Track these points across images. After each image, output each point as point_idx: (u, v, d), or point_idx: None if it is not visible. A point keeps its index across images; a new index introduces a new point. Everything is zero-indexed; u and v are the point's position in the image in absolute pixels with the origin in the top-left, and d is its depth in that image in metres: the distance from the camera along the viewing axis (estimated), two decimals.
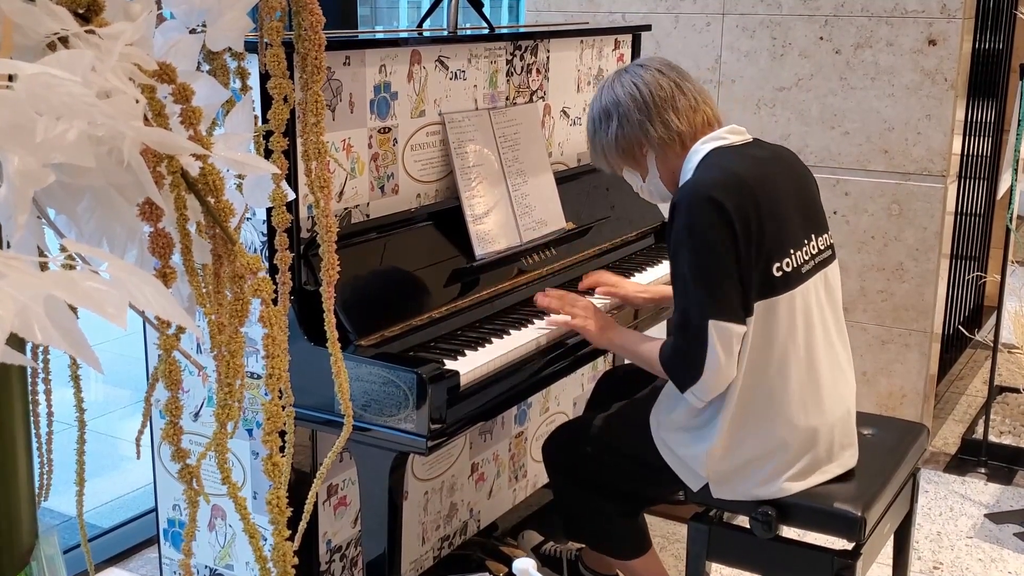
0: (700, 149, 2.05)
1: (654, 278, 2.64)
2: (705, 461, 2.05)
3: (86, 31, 0.66)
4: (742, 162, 2.01)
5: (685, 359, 1.97)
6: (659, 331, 2.75)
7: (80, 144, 0.61)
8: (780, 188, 2.03)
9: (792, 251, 2.00)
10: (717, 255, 1.92)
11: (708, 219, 1.92)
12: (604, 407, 2.36)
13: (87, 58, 0.62)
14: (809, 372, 2.02)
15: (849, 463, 2.11)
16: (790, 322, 1.99)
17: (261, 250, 1.97)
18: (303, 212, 1.99)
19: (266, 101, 0.89)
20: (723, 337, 1.93)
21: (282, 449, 0.82)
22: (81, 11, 0.68)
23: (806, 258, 2.03)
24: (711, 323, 1.92)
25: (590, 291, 2.44)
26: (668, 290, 2.47)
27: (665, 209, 3.25)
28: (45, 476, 0.93)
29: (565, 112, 2.78)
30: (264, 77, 0.89)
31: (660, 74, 2.10)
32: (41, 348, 0.90)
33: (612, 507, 2.26)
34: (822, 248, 2.09)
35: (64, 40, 0.66)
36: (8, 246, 0.65)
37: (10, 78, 0.60)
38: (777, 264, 1.97)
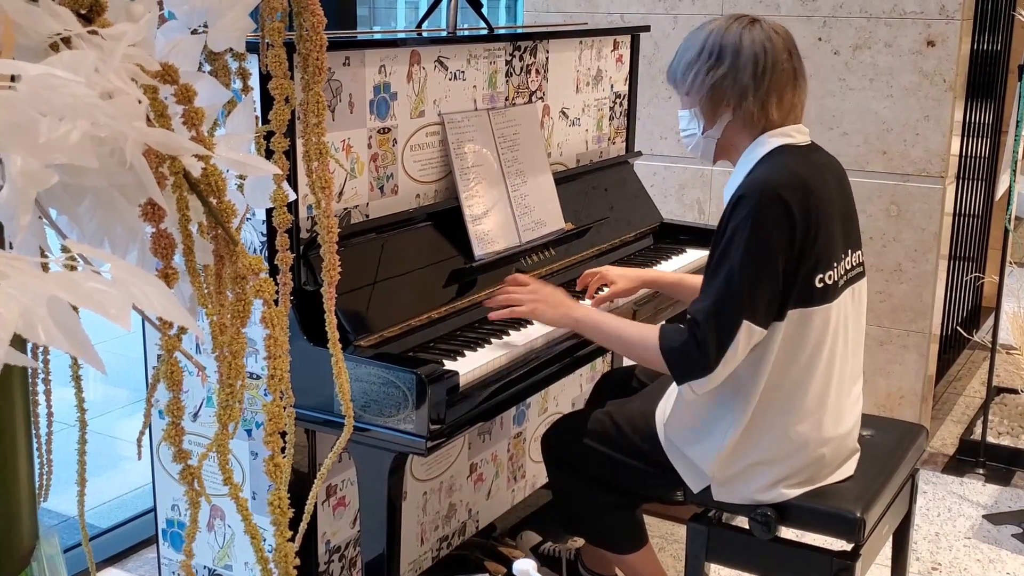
0: (768, 142, 2.00)
1: None
2: (712, 462, 2.04)
3: (88, 32, 0.66)
4: (805, 166, 1.98)
5: (702, 350, 1.92)
6: None
7: (83, 145, 0.61)
8: (832, 197, 2.01)
9: (835, 264, 1.98)
10: (771, 256, 1.90)
11: (775, 219, 1.89)
12: (603, 407, 2.36)
13: (90, 59, 0.62)
14: (827, 386, 2.02)
15: (848, 471, 2.12)
16: (821, 334, 1.98)
17: (261, 250, 1.97)
18: (303, 212, 1.99)
19: (267, 102, 0.89)
20: (748, 338, 1.91)
21: (283, 450, 0.82)
22: (83, 12, 0.68)
23: (842, 272, 2.02)
24: (744, 322, 1.89)
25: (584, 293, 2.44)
26: (665, 276, 2.46)
27: (669, 203, 3.26)
28: (45, 476, 0.93)
29: (564, 113, 2.78)
30: (265, 78, 0.89)
31: (787, 55, 2.00)
32: (41, 348, 0.90)
33: (610, 501, 2.26)
34: (855, 264, 2.08)
35: (66, 41, 0.66)
36: (10, 247, 0.65)
37: (12, 79, 0.60)
38: (820, 276, 1.95)
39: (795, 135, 2.03)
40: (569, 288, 2.47)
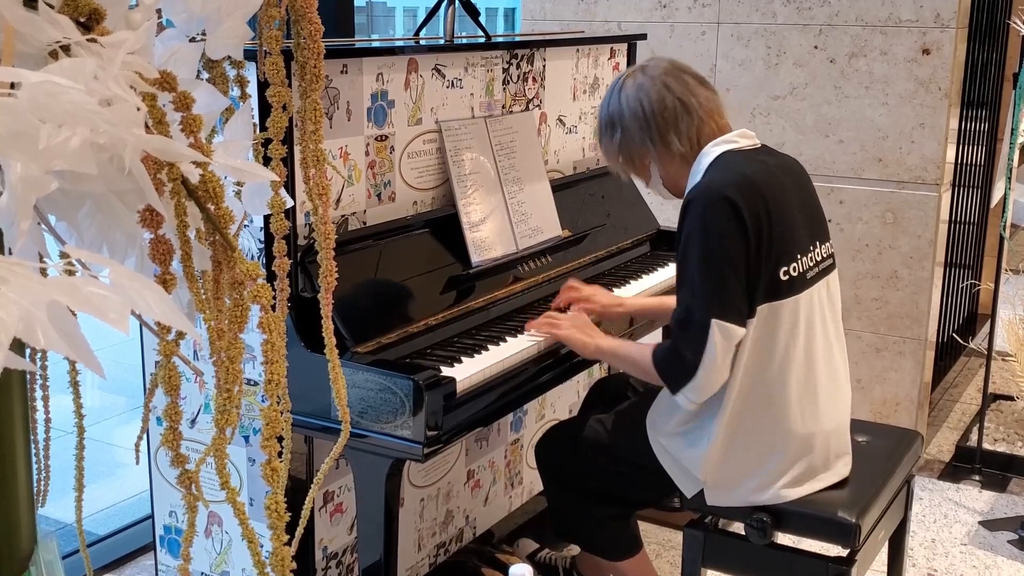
0: (711, 151, 2.05)
1: (650, 285, 2.65)
2: (701, 465, 2.05)
3: (88, 40, 0.67)
4: (753, 166, 2.02)
5: (682, 357, 1.97)
6: (656, 338, 2.75)
7: (82, 151, 0.62)
8: (788, 193, 2.04)
9: (799, 256, 2.01)
10: (727, 255, 1.93)
11: (722, 219, 1.93)
12: (597, 414, 2.36)
13: (89, 66, 0.63)
14: (808, 378, 2.03)
15: (843, 472, 2.12)
16: (792, 327, 2.00)
17: (259, 257, 1.98)
18: (300, 219, 1.99)
19: (264, 109, 0.90)
20: (723, 337, 1.93)
21: (280, 455, 0.82)
22: (83, 20, 0.69)
23: (811, 264, 2.04)
24: (714, 322, 1.92)
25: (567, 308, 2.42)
26: (648, 303, 2.48)
27: (666, 210, 3.27)
28: (43, 482, 0.94)
29: (561, 120, 2.79)
30: (263, 85, 0.90)
31: (666, 89, 2.07)
32: (39, 354, 0.91)
33: (604, 509, 2.26)
34: (825, 256, 2.10)
35: (66, 48, 0.67)
36: (10, 252, 0.66)
37: (13, 86, 0.61)
38: (784, 268, 1.98)
39: (739, 140, 2.08)
40: None
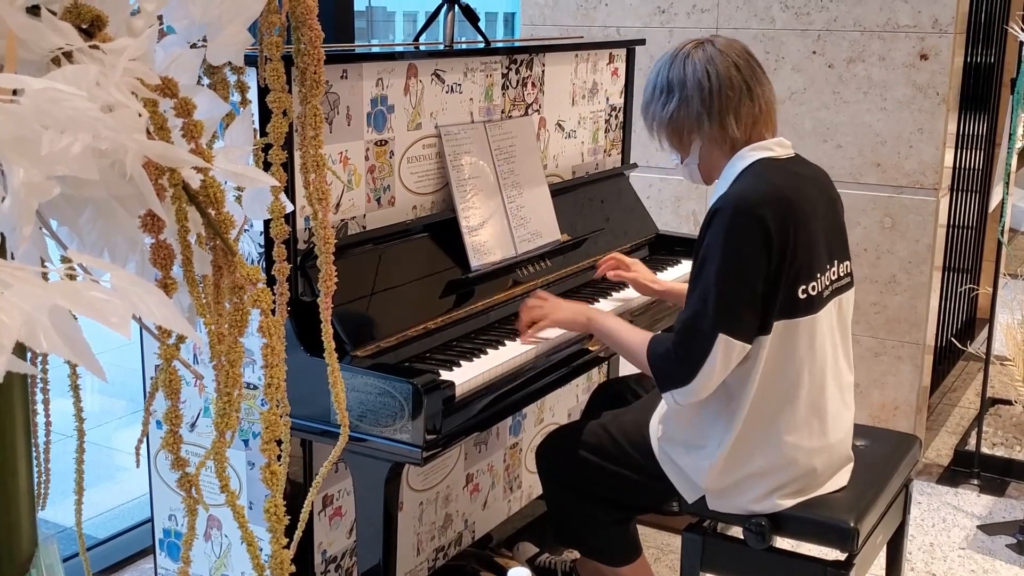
0: (747, 156, 2.02)
1: None
2: (705, 473, 2.05)
3: (90, 46, 0.68)
4: (786, 179, 1.99)
5: (680, 361, 1.96)
6: None
7: (84, 157, 0.62)
8: (816, 210, 2.01)
9: (818, 275, 1.99)
10: (746, 271, 1.91)
11: (748, 234, 1.90)
12: (599, 418, 2.37)
13: (91, 73, 0.63)
14: (818, 396, 2.03)
15: (842, 482, 2.13)
16: (807, 345, 1.98)
17: (259, 261, 1.98)
18: (300, 224, 2.00)
19: (265, 115, 0.90)
20: (727, 352, 1.92)
21: (279, 458, 0.82)
22: (85, 26, 0.69)
23: (827, 283, 2.02)
24: (721, 336, 1.91)
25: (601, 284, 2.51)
26: (678, 288, 2.48)
27: (665, 214, 3.28)
28: (43, 485, 0.94)
29: (560, 125, 2.80)
30: (263, 91, 0.90)
31: (736, 70, 2.02)
32: (40, 357, 0.91)
33: (604, 514, 2.26)
34: (842, 274, 2.08)
35: (68, 55, 0.67)
36: (12, 257, 0.66)
37: (15, 92, 0.61)
38: (803, 287, 1.95)
39: (776, 148, 2.04)
40: (565, 298, 2.47)
